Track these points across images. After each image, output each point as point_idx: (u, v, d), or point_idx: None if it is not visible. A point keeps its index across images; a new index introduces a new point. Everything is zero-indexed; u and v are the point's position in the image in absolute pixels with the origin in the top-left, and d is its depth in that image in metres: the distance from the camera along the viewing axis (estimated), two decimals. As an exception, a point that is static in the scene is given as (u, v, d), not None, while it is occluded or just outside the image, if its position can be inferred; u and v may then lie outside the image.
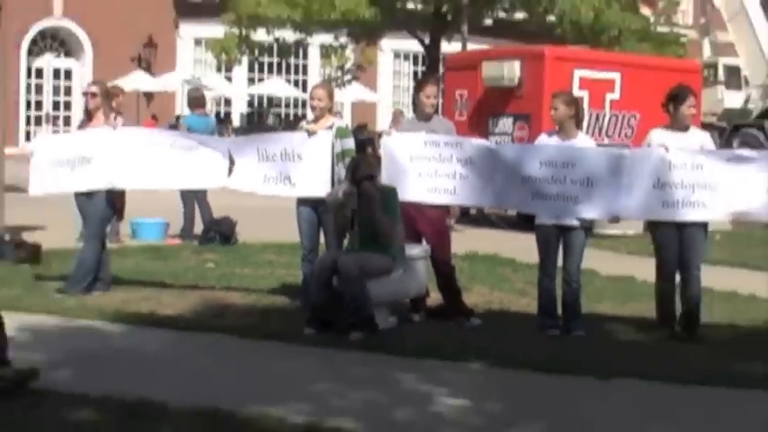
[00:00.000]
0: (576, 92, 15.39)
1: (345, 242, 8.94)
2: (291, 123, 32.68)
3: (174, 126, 18.19)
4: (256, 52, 30.26)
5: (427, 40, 29.20)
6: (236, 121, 35.70)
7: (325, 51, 31.45)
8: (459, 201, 9.52)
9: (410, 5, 28.42)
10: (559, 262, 8.79)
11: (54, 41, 34.48)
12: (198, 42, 35.44)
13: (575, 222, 8.68)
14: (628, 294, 10.73)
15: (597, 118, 17.51)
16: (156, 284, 10.38)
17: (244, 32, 28.16)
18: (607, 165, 8.63)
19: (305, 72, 36.84)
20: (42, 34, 33.83)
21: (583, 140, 8.97)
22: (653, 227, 9.04)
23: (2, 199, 11.87)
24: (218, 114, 35.19)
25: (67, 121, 33.48)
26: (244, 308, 9.45)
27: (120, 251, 12.17)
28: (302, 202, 9.23)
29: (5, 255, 11.15)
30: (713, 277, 9.65)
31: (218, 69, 34.46)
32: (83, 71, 33.73)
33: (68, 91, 34.56)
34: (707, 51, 31.24)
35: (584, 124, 10.89)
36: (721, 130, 27.60)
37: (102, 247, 9.94)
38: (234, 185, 9.64)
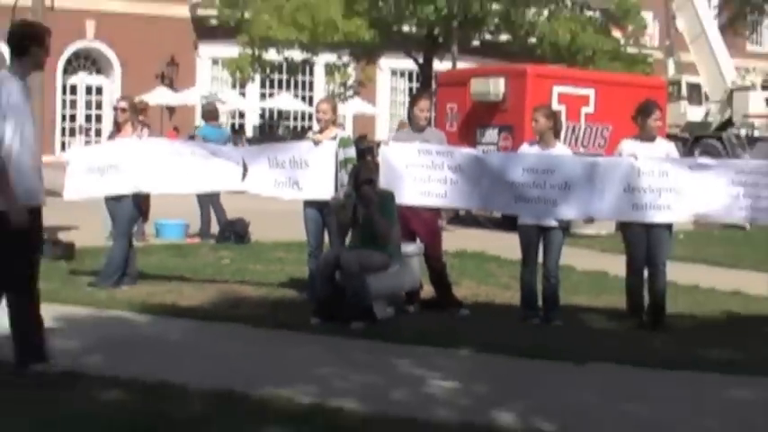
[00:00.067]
0: (555, 106, 15.39)
1: (347, 240, 8.93)
2: (299, 134, 32.63)
3: (193, 137, 18.19)
4: (267, 70, 30.24)
5: (421, 60, 29.18)
6: (249, 132, 35.59)
7: (330, 69, 31.42)
8: (450, 203, 9.50)
9: (405, 28, 28.38)
10: (540, 259, 8.78)
11: (87, 61, 34.43)
12: (215, 61, 35.36)
13: (553, 223, 8.67)
14: (601, 288, 10.71)
15: (574, 129, 17.47)
16: (178, 279, 10.37)
17: (256, 52, 28.14)
18: (583, 171, 8.62)
19: (311, 88, 36.75)
20: (76, 55, 33.77)
21: (561, 149, 8.95)
22: (624, 227, 9.03)
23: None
24: (233, 126, 35.13)
25: (98, 133, 33.41)
26: (256, 300, 9.43)
27: (145, 249, 12.14)
28: (309, 204, 9.22)
29: (43, 252, 11.12)
30: (677, 272, 9.64)
31: (234, 86, 34.37)
32: (112, 87, 33.66)
33: (99, 105, 34.47)
34: (671, 70, 31.23)
35: (562, 135, 10.87)
36: (684, 140, 27.60)
37: (129, 246, 9.93)
38: (247, 189, 9.63)
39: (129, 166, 9.59)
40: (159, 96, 31.18)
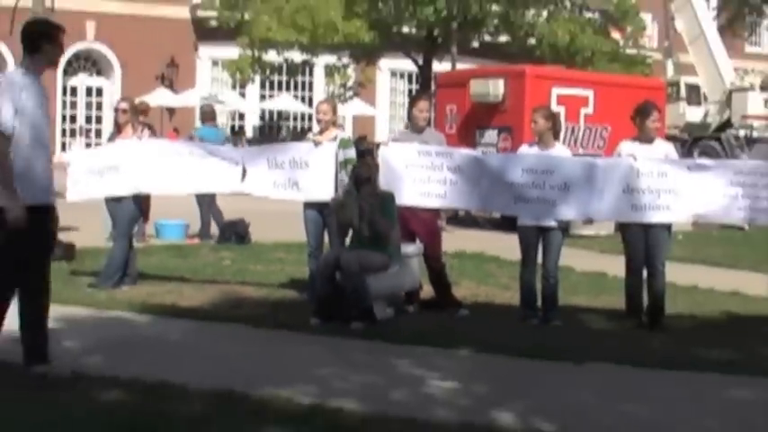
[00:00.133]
0: (554, 107, 15.36)
1: (347, 241, 8.93)
2: (299, 135, 32.64)
3: (191, 137, 18.23)
4: (267, 71, 30.23)
5: (420, 61, 29.18)
6: (249, 133, 35.60)
7: (329, 70, 31.42)
8: (449, 204, 9.52)
9: (405, 30, 28.39)
10: (539, 259, 8.79)
11: (87, 62, 34.41)
12: (215, 63, 35.36)
13: (553, 223, 8.67)
14: (600, 288, 10.72)
15: (573, 130, 17.48)
16: (178, 279, 10.37)
17: (256, 54, 28.13)
18: (582, 172, 8.62)
19: (311, 89, 36.74)
20: (77, 56, 33.75)
21: (560, 150, 8.96)
22: (623, 228, 9.03)
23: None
24: (232, 127, 35.15)
25: (99, 134, 33.41)
26: (257, 300, 9.44)
27: (145, 250, 12.15)
28: (309, 205, 9.22)
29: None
30: (676, 273, 9.64)
31: (234, 87, 34.37)
32: (112, 89, 33.64)
33: (99, 106, 34.46)
34: (670, 71, 31.22)
35: (561, 136, 10.86)
36: (683, 141, 27.59)
37: (129, 246, 9.93)
38: (246, 190, 9.62)
39: (129, 167, 9.58)
40: (159, 98, 31.16)
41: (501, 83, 17.64)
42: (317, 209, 9.14)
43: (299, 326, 8.07)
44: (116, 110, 10.33)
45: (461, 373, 6.75)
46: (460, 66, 26.89)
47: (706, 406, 6.22)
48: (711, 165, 8.96)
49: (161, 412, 5.37)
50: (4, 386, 5.76)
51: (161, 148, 10.00)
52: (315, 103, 24.28)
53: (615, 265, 10.04)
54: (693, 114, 29.80)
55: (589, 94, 17.88)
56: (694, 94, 30.23)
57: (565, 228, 9.00)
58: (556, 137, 8.94)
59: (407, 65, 31.51)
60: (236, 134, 32.57)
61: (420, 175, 8.99)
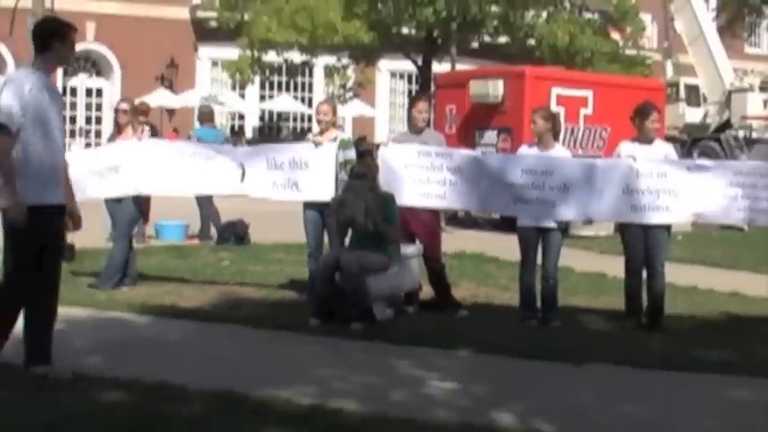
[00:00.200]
0: (554, 108, 15.36)
1: (347, 242, 8.94)
2: (299, 136, 32.64)
3: (189, 138, 18.27)
4: (267, 72, 30.23)
5: (420, 62, 29.18)
6: (248, 134, 35.60)
7: (329, 71, 31.41)
8: (449, 205, 9.53)
9: (405, 31, 28.38)
10: (538, 260, 8.79)
11: (87, 63, 34.40)
12: (215, 63, 35.36)
13: (552, 224, 8.67)
14: (600, 289, 10.72)
15: (572, 131, 17.49)
16: (178, 280, 10.37)
17: (256, 55, 28.14)
18: (581, 173, 8.63)
19: (310, 90, 36.73)
20: (76, 57, 33.73)
21: (559, 151, 8.96)
22: (622, 228, 9.04)
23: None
24: (232, 128, 35.16)
25: (98, 134, 33.40)
26: (256, 301, 9.44)
27: (145, 250, 12.15)
28: (308, 206, 9.22)
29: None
30: (675, 273, 9.64)
31: (233, 87, 34.36)
32: (112, 89, 33.64)
33: (99, 107, 34.46)
34: (670, 72, 31.22)
35: (561, 137, 10.86)
36: (683, 142, 27.57)
37: (129, 247, 9.93)
38: (245, 191, 9.61)
39: (130, 168, 9.58)
40: (159, 98, 31.15)
41: (500, 83, 17.65)
42: (316, 209, 9.13)
43: (299, 326, 8.07)
44: (116, 110, 10.35)
45: (461, 374, 6.76)
46: (460, 66, 26.89)
47: (705, 406, 6.22)
48: (711, 165, 8.97)
49: (161, 413, 5.37)
50: (5, 387, 5.76)
51: (161, 149, 9.99)
52: (314, 103, 24.29)
53: (615, 266, 10.05)
54: (693, 115, 29.80)
55: (588, 94, 17.90)
56: (694, 95, 30.23)
57: (564, 228, 9.00)
58: (555, 138, 8.94)
59: (407, 66, 31.51)
60: (236, 135, 32.58)
61: (420, 175, 9.00)
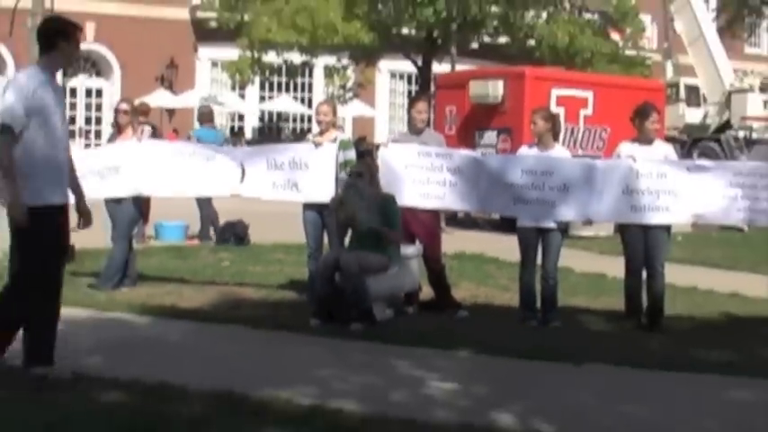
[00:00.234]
0: (554, 108, 15.35)
1: (346, 242, 8.94)
2: (299, 136, 32.65)
3: (189, 138, 18.29)
4: (267, 73, 30.25)
5: (420, 62, 29.19)
6: (248, 135, 35.63)
7: (329, 72, 31.42)
8: (449, 205, 9.52)
9: (405, 31, 28.39)
10: (538, 260, 8.79)
11: (86, 63, 34.41)
12: (215, 64, 35.38)
13: (552, 225, 8.67)
14: (599, 289, 10.72)
15: (572, 131, 17.49)
16: (178, 280, 10.37)
17: (256, 55, 28.15)
18: (581, 173, 8.63)
19: (310, 90, 36.74)
20: (76, 57, 33.81)
21: (559, 151, 8.96)
22: (622, 229, 9.04)
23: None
24: (232, 128, 35.16)
25: (98, 135, 33.41)
26: (256, 301, 9.44)
27: (145, 251, 12.14)
28: (308, 206, 9.22)
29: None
30: (675, 274, 9.64)
31: (233, 88, 34.37)
32: (112, 90, 33.66)
33: (99, 108, 34.48)
34: (669, 72, 31.22)
35: (561, 137, 10.86)
36: (682, 142, 27.58)
37: (129, 248, 9.93)
38: (245, 192, 9.61)
39: (129, 168, 9.58)
40: (159, 99, 31.15)
41: (500, 84, 17.66)
42: (316, 210, 9.13)
43: (299, 327, 8.07)
44: (116, 111, 10.34)
45: (461, 375, 6.76)
46: (460, 67, 26.90)
47: (705, 407, 6.22)
48: (711, 166, 8.97)
49: (161, 413, 5.37)
50: (5, 387, 5.76)
51: (161, 150, 9.99)
52: (314, 104, 24.29)
53: (614, 267, 10.05)
54: (693, 116, 29.81)
55: (588, 95, 17.90)
56: (694, 96, 30.24)
57: (564, 229, 9.01)
58: (555, 138, 8.95)
59: (407, 66, 31.52)
60: (236, 135, 32.59)
61: (419, 176, 9.00)
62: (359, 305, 8.23)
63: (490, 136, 17.74)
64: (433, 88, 24.62)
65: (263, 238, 13.87)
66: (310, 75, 35.48)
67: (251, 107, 36.04)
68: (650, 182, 8.45)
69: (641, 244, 8.63)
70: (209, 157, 9.70)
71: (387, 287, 8.69)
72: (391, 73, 37.70)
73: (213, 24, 32.03)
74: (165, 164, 9.66)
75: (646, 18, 31.93)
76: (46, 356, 5.96)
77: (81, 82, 34.34)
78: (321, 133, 9.37)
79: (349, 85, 31.75)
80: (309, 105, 34.45)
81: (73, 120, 33.98)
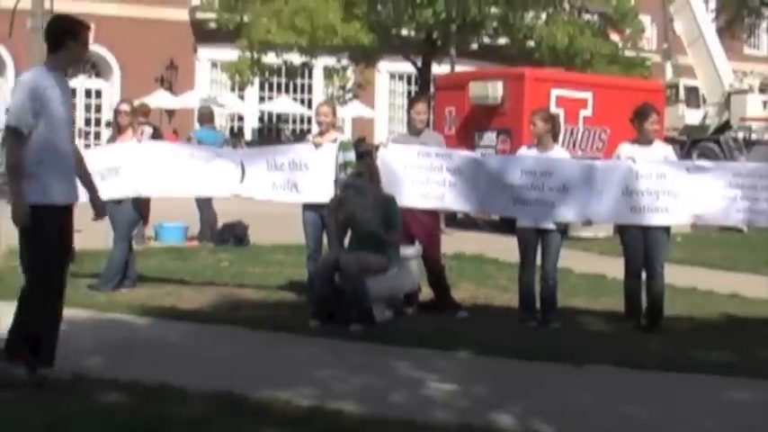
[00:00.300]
0: (553, 109, 15.39)
1: (346, 243, 8.94)
2: (298, 137, 32.66)
3: (189, 139, 18.30)
4: (267, 74, 30.22)
5: (419, 63, 29.19)
6: (248, 136, 35.64)
7: (329, 73, 31.42)
8: (448, 206, 9.52)
9: (404, 32, 28.39)
10: (538, 261, 8.79)
11: (86, 64, 34.44)
12: (214, 65, 35.40)
13: (552, 225, 8.68)
14: (599, 290, 10.72)
15: (572, 132, 17.50)
16: (177, 281, 10.37)
17: (255, 56, 28.13)
18: (581, 174, 8.63)
19: (310, 91, 36.75)
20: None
21: (559, 152, 8.96)
22: (622, 230, 9.04)
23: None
24: (231, 129, 35.17)
25: (98, 136, 33.40)
26: (255, 302, 9.44)
27: (144, 252, 12.14)
28: (307, 207, 9.22)
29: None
30: (675, 275, 9.65)
31: (233, 89, 34.37)
32: (111, 91, 33.67)
33: (98, 108, 34.50)
34: (669, 73, 31.24)
35: (560, 138, 10.86)
36: (682, 143, 27.61)
37: (129, 249, 9.93)
38: (245, 193, 9.62)
39: (129, 169, 9.57)
40: (158, 99, 31.15)
41: (500, 85, 17.66)
42: (315, 211, 9.13)
43: (298, 328, 8.07)
44: (117, 112, 10.33)
45: (460, 375, 6.76)
46: (459, 68, 26.90)
47: (705, 408, 6.23)
48: (710, 167, 8.97)
49: (160, 414, 5.37)
50: (5, 388, 5.76)
51: (161, 151, 9.99)
52: (314, 105, 24.29)
53: (614, 267, 10.05)
54: (692, 116, 29.83)
55: (588, 96, 17.90)
56: (693, 97, 30.26)
57: (564, 230, 9.01)
58: (555, 139, 8.95)
59: (406, 67, 31.53)
60: (235, 136, 32.58)
61: (419, 176, 9.00)
62: (358, 306, 8.23)
63: (490, 137, 17.73)
64: (432, 89, 24.63)
65: (263, 239, 13.87)
66: (310, 76, 35.50)
67: (250, 108, 36.05)
68: (650, 183, 8.46)
69: (641, 245, 8.63)
70: (209, 158, 9.71)
71: (386, 288, 8.69)
72: (391, 74, 37.71)
73: (213, 25, 32.03)
74: (165, 165, 9.65)
75: (645, 19, 31.95)
76: (48, 357, 5.95)
77: (80, 83, 34.32)
78: (321, 134, 9.36)
79: (348, 86, 31.75)
80: (309, 106, 34.48)
81: (72, 121, 34.00)
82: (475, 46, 30.65)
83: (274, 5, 26.89)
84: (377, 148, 12.38)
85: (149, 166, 9.59)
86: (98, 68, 34.67)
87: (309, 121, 34.75)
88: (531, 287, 8.78)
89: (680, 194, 8.48)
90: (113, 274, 9.71)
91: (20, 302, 5.98)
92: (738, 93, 28.51)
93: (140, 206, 9.90)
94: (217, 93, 33.67)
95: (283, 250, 12.87)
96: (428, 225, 9.35)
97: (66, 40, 5.97)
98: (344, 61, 30.08)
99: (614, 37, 29.79)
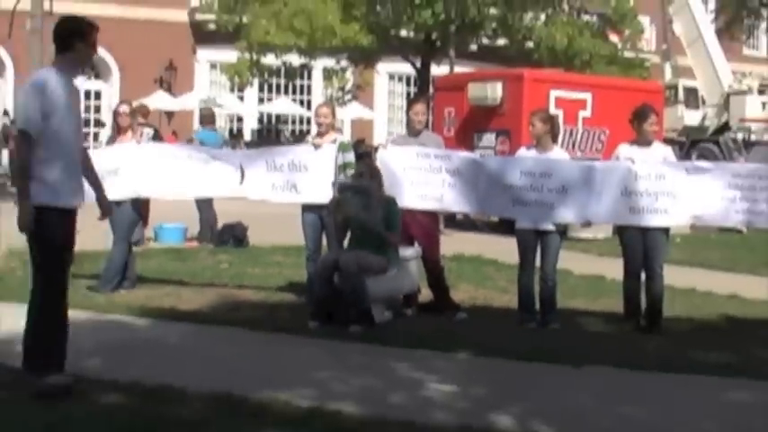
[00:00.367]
0: (552, 110, 15.39)
1: (345, 243, 8.95)
2: (298, 138, 32.66)
3: (191, 140, 18.32)
4: (266, 75, 30.27)
5: (419, 64, 29.20)
6: (247, 136, 35.65)
7: (328, 74, 31.44)
8: (447, 207, 9.53)
9: (403, 33, 28.41)
10: (537, 262, 8.79)
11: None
12: (213, 66, 35.41)
13: (551, 226, 8.68)
14: (598, 291, 10.72)
15: (571, 133, 17.50)
16: (177, 282, 10.37)
17: (254, 57, 28.15)
18: (580, 175, 8.63)
19: (309, 92, 36.76)
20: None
21: (558, 153, 8.96)
22: (621, 231, 9.04)
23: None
24: (231, 130, 35.18)
25: (96, 137, 33.39)
26: (255, 303, 9.44)
27: (144, 253, 12.13)
28: (307, 208, 9.22)
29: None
30: (674, 276, 9.65)
31: (232, 90, 34.37)
32: (111, 92, 33.67)
33: (98, 110, 34.49)
34: (668, 74, 31.26)
35: (560, 139, 10.86)
36: (681, 144, 27.62)
37: (128, 250, 9.93)
38: (244, 193, 9.62)
39: (128, 170, 9.57)
40: (158, 101, 31.16)
41: (499, 86, 17.66)
42: (315, 212, 9.14)
43: (298, 329, 8.08)
44: (117, 113, 10.34)
45: (460, 376, 6.76)
46: (458, 69, 26.90)
47: (704, 409, 6.23)
48: (709, 168, 8.96)
49: (160, 415, 5.37)
50: (4, 389, 5.76)
51: (160, 152, 9.99)
52: (313, 106, 24.27)
53: (613, 268, 10.05)
54: (691, 117, 29.84)
55: (587, 97, 17.91)
56: (692, 97, 30.27)
57: (563, 231, 9.01)
58: (554, 140, 8.95)
59: (406, 68, 31.54)
60: (235, 137, 32.58)
61: (418, 177, 9.00)
62: (357, 305, 8.24)
63: (489, 138, 17.74)
64: (431, 90, 24.64)
65: (262, 240, 13.88)
66: (309, 77, 35.51)
67: (250, 109, 36.06)
68: (649, 184, 8.46)
69: (640, 246, 8.63)
70: (209, 159, 9.70)
71: (385, 289, 8.69)
72: (390, 75, 37.72)
73: (212, 27, 32.05)
74: (164, 166, 9.66)
75: (644, 20, 31.96)
76: (58, 363, 5.92)
77: (80, 84, 34.22)
78: (321, 135, 9.36)
79: (348, 87, 31.76)
80: (308, 107, 34.49)
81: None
82: (474, 47, 30.66)
83: (273, 7, 26.91)
84: (376, 149, 12.39)
85: (148, 168, 9.60)
86: (97, 69, 34.66)
87: (309, 122, 34.77)
88: (531, 288, 8.78)
89: (679, 195, 8.48)
90: (113, 276, 9.71)
91: (29, 309, 5.95)
92: (737, 94, 28.53)
93: (140, 207, 9.90)
94: (216, 94, 33.68)
95: (283, 251, 12.87)
96: (427, 226, 9.35)
97: (74, 42, 5.92)
98: (343, 62, 30.10)
99: (613, 38, 29.81)
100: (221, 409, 5.56)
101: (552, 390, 6.54)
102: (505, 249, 10.86)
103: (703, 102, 29.96)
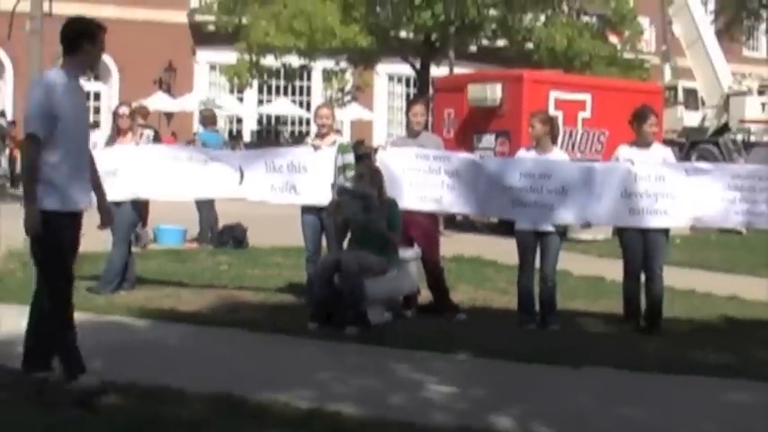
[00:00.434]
0: (552, 111, 15.40)
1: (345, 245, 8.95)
2: (297, 139, 32.66)
3: (191, 142, 18.32)
4: (265, 76, 30.27)
5: (418, 65, 29.20)
6: (246, 138, 35.65)
7: (327, 75, 31.47)
8: (447, 208, 9.53)
9: (403, 34, 28.41)
10: (537, 264, 8.79)
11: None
12: (213, 67, 35.42)
13: (550, 228, 8.68)
14: (598, 292, 10.73)
15: (570, 134, 17.50)
16: (176, 284, 10.37)
17: (254, 58, 28.15)
18: (580, 176, 8.63)
19: (309, 93, 36.77)
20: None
21: (557, 155, 8.97)
22: (620, 232, 9.04)
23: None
24: (230, 132, 35.19)
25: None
26: (254, 304, 9.44)
27: (143, 254, 12.14)
28: (306, 209, 9.22)
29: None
30: (674, 277, 9.65)
31: (231, 91, 34.39)
32: (110, 93, 33.68)
33: (97, 111, 34.48)
34: (668, 75, 31.27)
35: (559, 140, 10.86)
36: (681, 145, 27.63)
37: (128, 251, 9.94)
38: (243, 194, 9.62)
39: (127, 172, 9.57)
40: (157, 102, 31.17)
41: (499, 87, 17.65)
42: (314, 213, 9.14)
43: (297, 330, 8.08)
44: (116, 115, 10.33)
45: (459, 378, 6.76)
46: (458, 70, 26.88)
47: (703, 410, 6.23)
48: (709, 169, 8.97)
49: (159, 416, 5.37)
50: (4, 390, 5.76)
51: (159, 153, 9.99)
52: (313, 107, 24.27)
53: (613, 270, 10.05)
54: (691, 118, 29.86)
55: (587, 98, 17.91)
56: (692, 99, 30.29)
57: (563, 232, 9.01)
58: (554, 141, 8.96)
59: (405, 69, 31.54)
60: (234, 138, 32.59)
61: (417, 179, 9.01)
62: (355, 306, 8.24)
63: (488, 139, 17.73)
64: (431, 91, 24.63)
65: (262, 242, 13.87)
66: (308, 78, 35.52)
67: (249, 110, 36.08)
68: (648, 185, 8.46)
69: (640, 247, 8.63)
70: (208, 160, 9.71)
71: (385, 290, 8.69)
72: (389, 76, 37.73)
73: (211, 28, 32.05)
74: (163, 167, 9.65)
75: (644, 21, 31.97)
76: (78, 366, 5.92)
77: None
78: (320, 137, 9.36)
79: (347, 88, 31.77)
80: (308, 109, 34.48)
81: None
82: (473, 48, 30.66)
83: (273, 8, 26.91)
84: (375, 150, 12.39)
85: (147, 169, 9.60)
86: (96, 71, 34.68)
87: (308, 123, 34.76)
88: (530, 289, 8.78)
89: (679, 196, 8.48)
90: (112, 277, 9.71)
91: (31, 310, 5.94)
92: (737, 95, 28.54)
93: (139, 208, 9.90)
94: (215, 95, 33.69)
95: (282, 253, 12.87)
96: (427, 227, 9.35)
97: (82, 43, 5.85)
98: (343, 64, 30.11)
99: (613, 39, 29.81)
100: (221, 410, 5.57)
101: (552, 391, 6.54)
102: (505, 250, 10.86)
103: (703, 103, 29.97)
